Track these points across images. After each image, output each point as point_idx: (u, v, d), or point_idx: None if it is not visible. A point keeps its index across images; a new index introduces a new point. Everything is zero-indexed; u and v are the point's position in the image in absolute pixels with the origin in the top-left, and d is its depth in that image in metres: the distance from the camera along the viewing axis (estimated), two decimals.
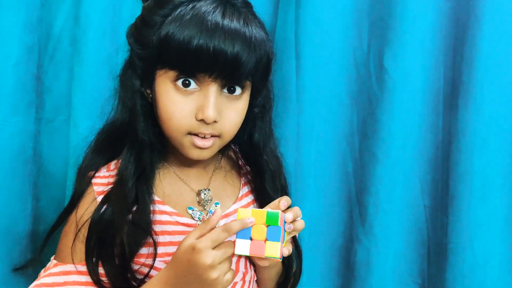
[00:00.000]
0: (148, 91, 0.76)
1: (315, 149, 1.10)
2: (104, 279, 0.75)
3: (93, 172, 0.80)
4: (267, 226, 0.69)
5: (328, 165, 1.12)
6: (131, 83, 0.76)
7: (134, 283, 0.75)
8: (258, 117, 0.82)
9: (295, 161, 1.08)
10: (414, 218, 1.12)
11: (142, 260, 0.75)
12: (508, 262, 1.09)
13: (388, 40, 1.06)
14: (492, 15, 1.03)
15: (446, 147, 1.10)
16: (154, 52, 0.72)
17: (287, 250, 0.71)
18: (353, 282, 1.12)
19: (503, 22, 1.03)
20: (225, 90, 0.74)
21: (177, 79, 0.72)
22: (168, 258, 0.75)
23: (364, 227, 1.10)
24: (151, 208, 0.76)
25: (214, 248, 0.67)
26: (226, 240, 0.68)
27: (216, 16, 0.70)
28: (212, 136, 0.74)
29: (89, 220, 0.75)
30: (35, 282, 0.76)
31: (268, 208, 0.72)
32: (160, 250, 0.76)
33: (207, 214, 0.80)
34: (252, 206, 0.85)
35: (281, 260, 0.72)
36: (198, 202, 0.81)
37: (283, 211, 0.71)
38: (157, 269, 0.75)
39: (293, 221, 0.72)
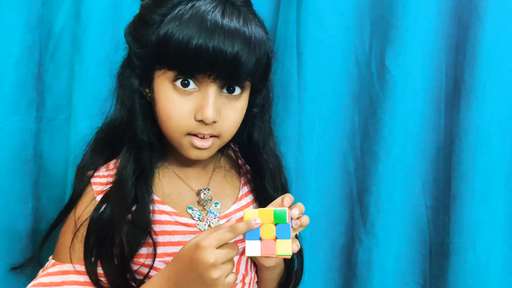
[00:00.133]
0: (147, 90, 0.76)
1: (316, 148, 1.09)
2: (102, 279, 0.74)
3: (92, 171, 0.79)
4: (275, 225, 0.68)
5: (329, 165, 1.11)
6: (130, 82, 0.75)
7: (134, 284, 0.75)
8: (258, 117, 0.82)
9: (296, 160, 1.08)
10: (415, 218, 1.12)
11: (141, 260, 0.75)
12: (510, 262, 1.09)
13: (390, 39, 1.06)
14: (494, 13, 1.02)
15: (448, 147, 1.09)
16: (153, 51, 0.71)
17: (296, 246, 0.71)
18: (354, 282, 1.11)
19: (505, 20, 1.03)
20: (225, 90, 0.73)
21: (176, 79, 0.71)
22: (168, 258, 0.75)
23: (365, 226, 1.10)
24: (151, 208, 0.76)
25: (218, 248, 0.66)
26: (230, 242, 0.68)
27: (215, 15, 0.69)
28: (211, 136, 0.74)
29: (88, 220, 0.75)
30: (33, 282, 0.75)
31: (271, 207, 0.72)
32: (160, 250, 0.75)
33: (207, 214, 0.80)
34: (252, 206, 0.84)
35: (290, 257, 0.72)
36: (198, 202, 0.80)
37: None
38: (156, 269, 0.75)
39: (299, 217, 0.72)
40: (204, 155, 0.75)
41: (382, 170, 1.08)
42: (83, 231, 0.75)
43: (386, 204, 1.08)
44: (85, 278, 0.75)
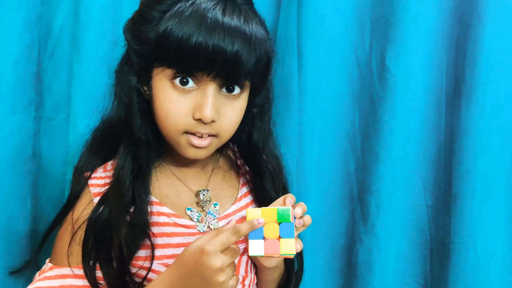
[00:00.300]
0: (145, 88, 0.75)
1: (317, 148, 1.09)
2: (101, 282, 0.74)
3: (90, 172, 0.79)
4: (279, 224, 0.68)
5: (329, 164, 1.11)
6: (127, 79, 0.74)
7: (133, 286, 0.74)
8: (257, 117, 0.81)
9: (297, 160, 1.07)
10: (416, 217, 1.12)
11: (140, 262, 0.74)
12: (511, 261, 1.09)
13: (390, 38, 1.05)
14: (495, 13, 1.02)
15: (448, 146, 1.09)
16: (152, 48, 0.70)
17: (299, 245, 0.70)
18: (355, 282, 1.11)
19: (506, 20, 1.03)
20: (224, 89, 0.72)
21: (174, 77, 0.70)
22: (167, 261, 0.74)
23: (366, 226, 1.10)
24: (149, 209, 0.75)
25: (222, 251, 0.66)
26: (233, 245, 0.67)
27: (216, 13, 0.68)
28: (209, 135, 0.73)
29: (86, 222, 0.74)
30: (30, 286, 0.74)
31: (272, 207, 0.71)
32: (158, 252, 0.75)
33: (206, 215, 0.79)
34: (251, 206, 0.84)
35: (294, 256, 0.71)
36: (197, 203, 0.79)
37: None
38: (155, 271, 0.74)
39: (301, 216, 0.71)
40: (201, 154, 0.74)
41: (382, 170, 1.07)
42: (81, 234, 0.74)
43: (387, 204, 1.08)
44: (83, 282, 0.74)
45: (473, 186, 1.05)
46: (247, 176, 0.86)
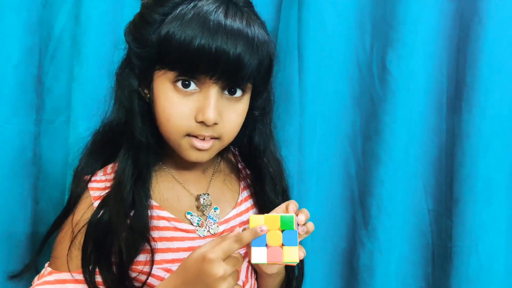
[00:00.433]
0: (146, 91, 0.75)
1: (318, 151, 1.09)
2: (101, 287, 0.73)
3: (90, 176, 0.78)
4: (282, 231, 0.67)
5: (330, 167, 1.11)
6: (128, 82, 0.74)
7: None
8: (258, 120, 0.81)
9: (298, 163, 1.07)
10: (417, 221, 1.11)
11: (139, 267, 0.74)
12: None
13: (391, 41, 1.05)
14: (495, 16, 1.02)
15: (449, 149, 1.09)
16: (153, 51, 0.70)
17: (303, 252, 0.69)
18: (356, 286, 1.11)
19: (506, 22, 1.03)
20: (226, 92, 0.72)
21: (176, 80, 0.70)
22: (167, 265, 0.74)
23: (367, 230, 1.09)
24: (149, 213, 0.75)
25: (225, 259, 0.65)
26: (236, 253, 0.67)
27: (218, 16, 0.68)
28: (211, 138, 0.72)
29: (86, 226, 0.73)
30: None
31: (275, 213, 0.70)
32: (158, 256, 0.74)
33: (206, 219, 0.78)
34: (251, 211, 0.83)
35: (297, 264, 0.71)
36: (197, 207, 0.79)
37: None
38: (155, 276, 0.74)
39: (304, 223, 0.70)
40: (203, 157, 0.74)
41: (383, 173, 1.07)
42: (80, 238, 0.73)
43: (388, 207, 1.08)
44: (83, 287, 0.73)
45: (475, 190, 1.04)
46: (248, 180, 0.85)
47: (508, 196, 1.07)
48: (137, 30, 0.72)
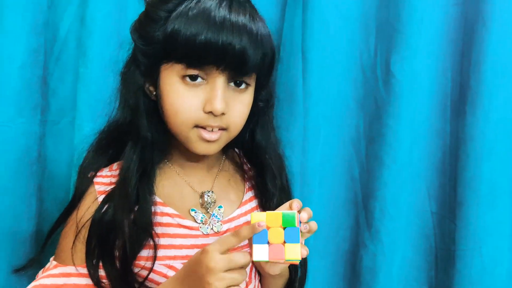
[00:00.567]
0: (151, 88, 0.76)
1: (321, 153, 1.09)
2: (104, 281, 0.74)
3: (95, 172, 0.79)
4: (284, 229, 0.67)
5: (334, 169, 1.11)
6: (134, 80, 0.75)
7: (136, 286, 0.74)
8: (261, 114, 0.82)
9: (301, 165, 1.07)
10: (421, 224, 1.11)
11: (142, 263, 0.74)
12: None
13: (395, 43, 1.05)
14: (499, 19, 1.02)
15: (453, 152, 1.09)
16: (159, 48, 0.72)
17: (305, 250, 0.70)
18: None
19: (510, 26, 1.02)
20: (231, 84, 0.73)
21: (183, 73, 0.71)
22: (169, 262, 0.75)
23: (370, 232, 1.09)
24: (153, 210, 0.75)
25: (223, 253, 0.65)
26: (241, 251, 0.67)
27: (223, 11, 0.70)
28: (219, 129, 0.74)
29: (90, 221, 0.74)
30: (34, 283, 0.75)
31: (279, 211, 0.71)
32: (161, 253, 0.75)
33: (210, 217, 0.79)
34: (256, 211, 0.84)
35: (299, 262, 0.70)
36: (201, 204, 0.80)
37: None
38: (156, 272, 0.74)
39: (307, 221, 0.71)
40: (211, 149, 0.75)
41: (387, 175, 1.07)
42: (84, 232, 0.74)
43: (391, 210, 1.08)
44: (87, 281, 0.74)
45: (479, 193, 1.04)
46: (253, 181, 0.86)
47: None
48: (143, 27, 0.74)
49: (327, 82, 1.08)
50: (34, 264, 0.85)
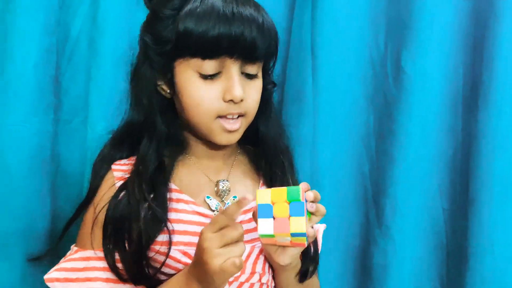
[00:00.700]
0: (164, 87, 0.78)
1: (331, 150, 1.09)
2: (120, 265, 0.76)
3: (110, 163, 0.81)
4: (289, 203, 0.68)
5: (344, 166, 1.11)
6: (147, 80, 0.77)
7: (150, 271, 0.75)
8: (263, 101, 0.83)
9: (311, 162, 1.07)
10: (432, 221, 1.11)
11: (157, 247, 0.76)
12: None
13: (405, 40, 1.05)
14: None
15: (465, 149, 1.08)
16: (172, 46, 0.74)
17: (312, 231, 0.70)
18: (370, 285, 1.11)
19: None
20: (244, 74, 0.76)
21: (199, 66, 0.74)
22: (183, 247, 0.76)
23: (381, 229, 1.09)
24: (168, 196, 0.77)
25: (215, 232, 0.66)
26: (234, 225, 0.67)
27: (230, 5, 0.73)
28: (239, 116, 0.77)
29: (107, 206, 0.76)
30: (56, 267, 0.78)
31: None
32: (175, 238, 0.76)
33: (224, 206, 0.80)
34: (260, 188, 0.85)
35: (306, 245, 0.70)
36: (216, 193, 0.81)
37: None
38: (171, 257, 0.75)
39: (314, 201, 0.72)
40: (234, 138, 0.78)
41: (397, 172, 1.07)
42: (102, 217, 0.76)
43: (402, 207, 1.07)
44: (104, 264, 0.76)
45: (491, 189, 1.03)
46: (268, 177, 0.86)
47: None
48: (152, 27, 0.76)
49: (337, 79, 1.07)
50: (50, 254, 0.86)
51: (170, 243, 0.75)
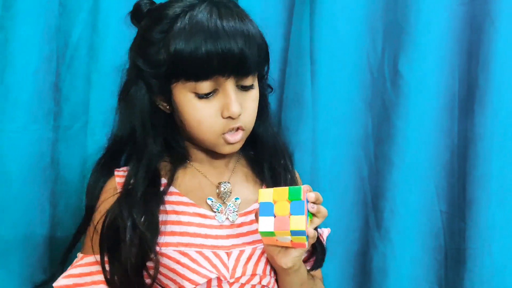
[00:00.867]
0: (164, 103, 0.79)
1: (331, 154, 1.10)
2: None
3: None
4: (290, 202, 0.69)
5: (343, 170, 1.11)
6: (138, 101, 0.78)
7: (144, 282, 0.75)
8: (260, 108, 0.83)
9: (311, 167, 1.08)
10: (430, 223, 1.11)
11: (157, 248, 0.75)
12: None
13: (403, 44, 1.06)
14: (507, 18, 1.02)
15: (462, 152, 1.09)
16: (166, 68, 0.74)
17: (313, 231, 0.71)
18: None
19: None
20: (239, 86, 0.77)
21: (194, 88, 0.74)
22: (183, 248, 0.76)
23: (380, 232, 1.10)
24: (168, 199, 0.78)
25: None
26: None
27: (215, 20, 0.73)
28: (238, 128, 0.78)
29: (105, 216, 0.76)
30: (64, 274, 0.78)
31: None
32: (175, 239, 0.76)
33: (226, 207, 0.81)
34: (263, 188, 0.85)
35: (307, 247, 0.71)
36: (218, 195, 0.82)
37: None
38: (171, 258, 0.75)
39: (316, 202, 0.72)
40: (236, 148, 0.80)
41: (396, 176, 1.07)
42: (100, 227, 0.77)
43: (401, 210, 1.08)
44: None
45: (488, 191, 1.04)
46: (270, 183, 0.87)
47: None
48: (143, 51, 0.77)
49: (336, 84, 1.08)
50: (54, 278, 0.85)
51: (154, 277, 0.74)
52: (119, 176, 0.81)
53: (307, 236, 0.70)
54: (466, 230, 1.07)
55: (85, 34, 1.02)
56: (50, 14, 0.99)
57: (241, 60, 0.73)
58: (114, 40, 0.99)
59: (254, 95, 0.79)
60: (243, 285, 0.78)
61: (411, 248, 1.10)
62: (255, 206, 0.82)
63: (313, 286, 0.85)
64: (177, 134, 0.82)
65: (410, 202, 1.08)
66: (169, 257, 0.76)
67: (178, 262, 0.76)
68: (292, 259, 0.76)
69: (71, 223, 0.97)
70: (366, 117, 1.11)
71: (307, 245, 0.71)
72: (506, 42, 1.02)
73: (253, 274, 0.79)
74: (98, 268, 0.77)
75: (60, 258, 0.84)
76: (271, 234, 0.69)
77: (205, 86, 0.74)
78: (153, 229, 0.75)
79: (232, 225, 0.80)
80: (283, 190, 0.70)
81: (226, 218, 0.80)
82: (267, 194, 0.70)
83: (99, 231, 0.76)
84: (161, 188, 0.79)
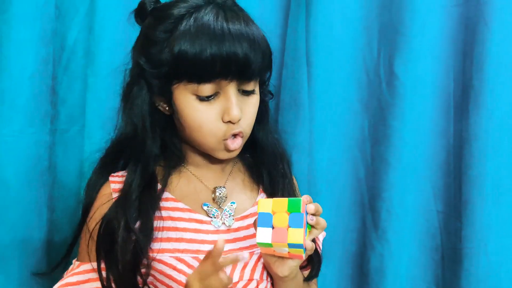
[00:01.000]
0: (164, 105, 0.78)
1: (327, 156, 1.10)
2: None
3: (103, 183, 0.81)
4: (289, 214, 0.68)
5: (340, 172, 1.12)
6: (141, 101, 0.77)
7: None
8: (261, 114, 0.83)
9: (308, 168, 1.08)
10: (427, 223, 1.12)
11: (154, 255, 0.76)
12: None
13: (398, 46, 1.06)
14: (501, 19, 1.03)
15: (457, 152, 1.09)
16: (169, 69, 0.74)
17: (311, 244, 0.71)
18: None
19: None
20: (240, 91, 0.76)
21: (196, 90, 0.73)
22: (179, 255, 0.76)
23: (377, 233, 1.10)
24: (163, 205, 0.77)
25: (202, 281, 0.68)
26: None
27: (221, 23, 0.72)
28: (239, 135, 0.77)
29: (100, 222, 0.76)
30: (60, 282, 0.78)
31: None
32: (171, 245, 0.76)
33: (222, 212, 0.80)
34: (262, 198, 0.85)
35: (304, 258, 0.71)
36: (213, 199, 0.81)
37: None
38: (167, 264, 0.75)
39: (315, 214, 0.72)
40: (234, 154, 0.79)
41: (392, 176, 1.08)
42: (96, 233, 0.76)
43: (398, 210, 1.08)
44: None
45: (484, 191, 1.05)
46: (267, 186, 0.86)
47: None
48: (146, 50, 0.76)
49: (332, 86, 1.09)
50: (54, 270, 0.86)
51: (146, 281, 0.75)
52: (114, 182, 0.80)
53: (305, 249, 0.69)
54: (462, 229, 1.07)
55: (82, 37, 1.02)
56: (46, 17, 0.99)
57: (245, 64, 0.73)
58: (111, 43, 0.99)
59: (254, 100, 0.78)
60: None
61: (408, 248, 1.10)
62: (252, 210, 0.82)
63: None
64: (175, 136, 0.80)
65: (407, 203, 1.09)
66: (165, 263, 0.75)
67: (174, 268, 0.75)
68: (289, 268, 0.76)
69: (68, 227, 0.97)
70: (362, 118, 1.12)
71: (304, 257, 0.71)
72: (499, 43, 1.03)
73: (250, 279, 0.79)
74: (95, 275, 0.76)
75: (59, 259, 0.84)
76: (268, 245, 0.69)
77: (207, 88, 0.73)
78: (147, 231, 0.75)
79: (229, 230, 0.80)
80: (283, 201, 0.69)
81: (222, 223, 0.80)
82: (266, 204, 0.69)
83: (95, 238, 0.76)
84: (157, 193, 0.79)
